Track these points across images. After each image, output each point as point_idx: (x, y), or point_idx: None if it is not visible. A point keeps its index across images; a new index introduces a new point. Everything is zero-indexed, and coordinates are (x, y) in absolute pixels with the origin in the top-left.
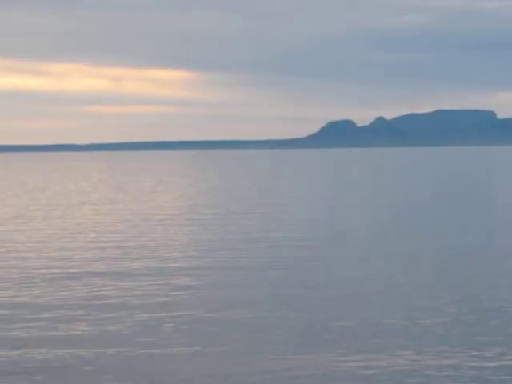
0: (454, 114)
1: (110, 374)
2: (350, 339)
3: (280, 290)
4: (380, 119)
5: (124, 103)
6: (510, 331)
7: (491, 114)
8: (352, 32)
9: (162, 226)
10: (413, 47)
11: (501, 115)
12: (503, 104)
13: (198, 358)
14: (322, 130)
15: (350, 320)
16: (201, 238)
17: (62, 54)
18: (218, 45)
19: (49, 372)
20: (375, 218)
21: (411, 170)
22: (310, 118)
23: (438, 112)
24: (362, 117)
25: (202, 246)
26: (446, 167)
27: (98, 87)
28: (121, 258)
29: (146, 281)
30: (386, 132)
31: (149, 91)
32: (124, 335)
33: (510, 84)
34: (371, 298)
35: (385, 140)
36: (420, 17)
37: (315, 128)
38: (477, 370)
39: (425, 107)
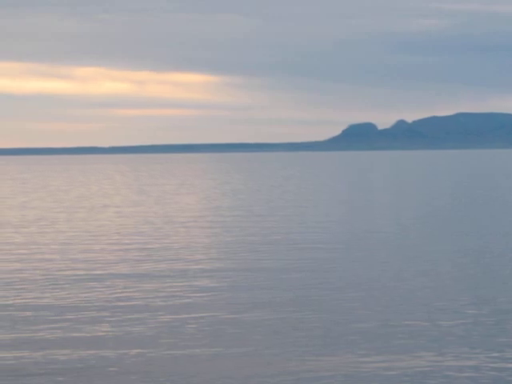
0: (474, 116)
1: (133, 375)
2: (371, 341)
3: (302, 291)
4: (401, 122)
5: (146, 106)
6: None
7: None
8: (373, 35)
9: (184, 228)
10: (433, 50)
11: None
12: None
13: (220, 359)
14: (344, 132)
15: (371, 321)
16: (223, 240)
17: (85, 57)
18: (240, 48)
19: (72, 373)
20: (396, 220)
21: (432, 173)
22: (332, 121)
23: (458, 115)
24: (383, 120)
25: (225, 248)
26: (466, 170)
27: (120, 90)
28: (144, 259)
29: (169, 282)
30: (406, 135)
31: (171, 94)
32: (147, 336)
33: None
34: (392, 299)
35: (406, 143)
36: (440, 20)
37: (336, 131)
38: (498, 371)
39: (445, 110)
